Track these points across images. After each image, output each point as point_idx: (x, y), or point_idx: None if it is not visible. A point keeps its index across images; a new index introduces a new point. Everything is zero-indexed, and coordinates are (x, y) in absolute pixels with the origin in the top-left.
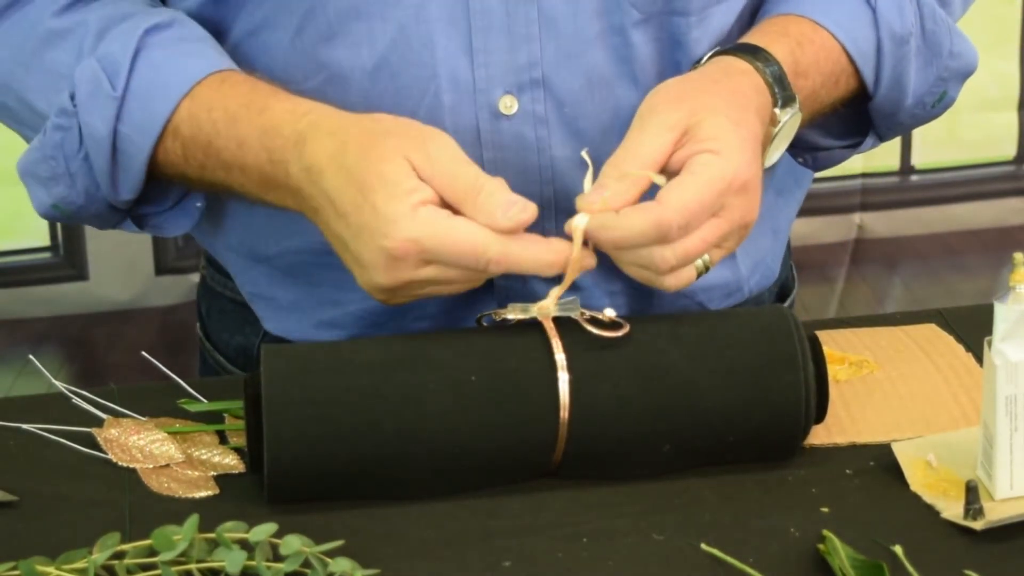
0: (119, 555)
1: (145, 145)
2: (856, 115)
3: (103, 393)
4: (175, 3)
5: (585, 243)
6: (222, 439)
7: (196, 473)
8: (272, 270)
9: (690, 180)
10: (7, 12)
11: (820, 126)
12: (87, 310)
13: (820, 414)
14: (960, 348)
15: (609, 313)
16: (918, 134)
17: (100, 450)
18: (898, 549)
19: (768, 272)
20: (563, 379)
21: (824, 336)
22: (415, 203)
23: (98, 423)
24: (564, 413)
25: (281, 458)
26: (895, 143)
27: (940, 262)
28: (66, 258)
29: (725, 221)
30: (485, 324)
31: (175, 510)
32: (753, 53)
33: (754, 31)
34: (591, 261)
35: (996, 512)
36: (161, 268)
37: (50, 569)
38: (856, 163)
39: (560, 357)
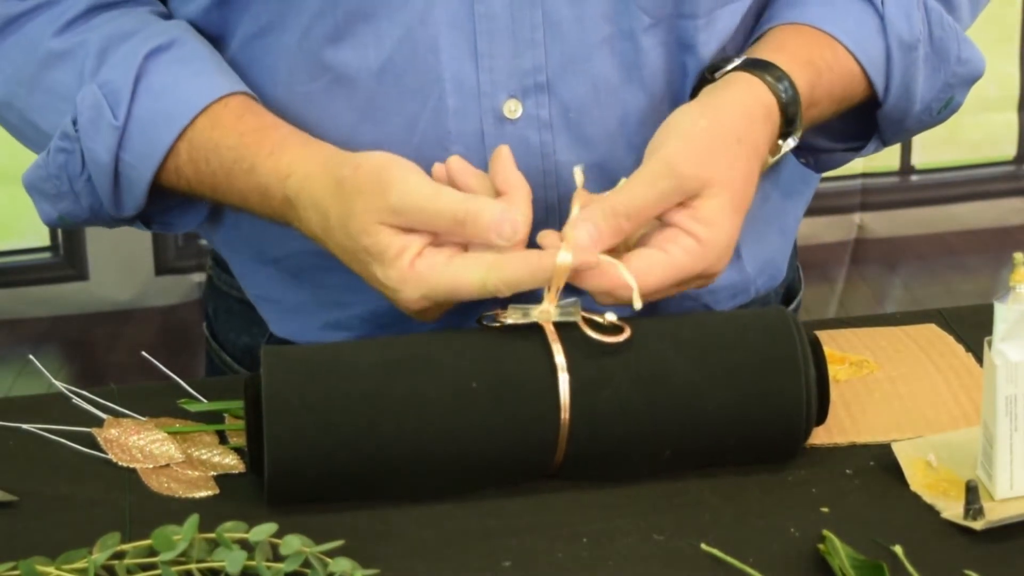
0: (119, 555)
1: (147, 172)
2: (860, 120)
3: (103, 393)
4: (178, 8)
5: None
6: (222, 439)
7: (196, 473)
8: (278, 272)
9: (663, 262)
10: (8, 30)
11: (823, 130)
12: (87, 310)
13: (821, 416)
14: (960, 348)
15: (609, 317)
16: (918, 134)
17: (100, 450)
18: (898, 549)
19: (775, 273)
20: (563, 381)
21: (824, 336)
22: (410, 261)
23: (98, 423)
24: (565, 415)
25: (281, 460)
26: None
27: (940, 262)
28: (66, 258)
29: (682, 286)
30: (486, 326)
31: (175, 510)
32: (779, 80)
33: (775, 44)
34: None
35: (996, 512)
36: (161, 268)
37: (50, 569)
38: (856, 163)
39: (561, 360)
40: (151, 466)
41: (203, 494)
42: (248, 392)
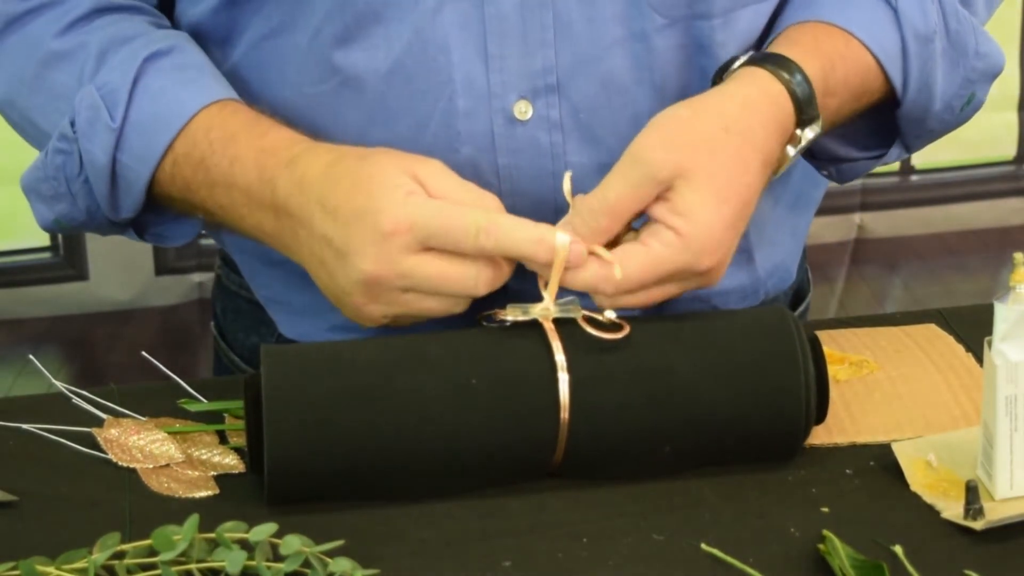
0: (119, 555)
1: (144, 173)
2: (882, 125)
3: (103, 393)
4: (187, 9)
5: None
6: (222, 439)
7: (196, 473)
8: (286, 274)
9: (640, 256)
10: (10, 30)
11: (844, 137)
12: (87, 310)
13: (820, 415)
14: (960, 348)
15: (609, 315)
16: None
17: (100, 450)
18: (898, 549)
19: (785, 275)
20: (563, 380)
21: (824, 336)
22: (408, 191)
23: (98, 423)
24: (564, 414)
25: (281, 459)
26: None
27: (940, 262)
28: (66, 258)
29: (676, 288)
30: (485, 325)
31: (175, 510)
32: (786, 68)
33: (785, 41)
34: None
35: (996, 512)
36: (161, 268)
37: (50, 569)
38: None
39: (560, 358)
40: (151, 466)
41: (203, 494)
42: (248, 391)
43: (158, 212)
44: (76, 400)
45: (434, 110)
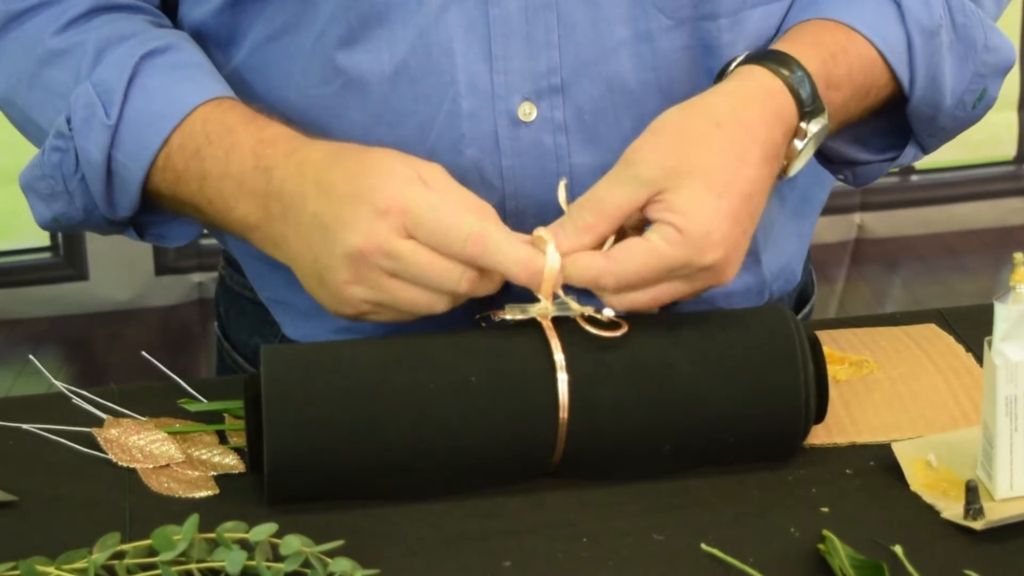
0: (119, 555)
1: (138, 171)
2: (894, 126)
3: (103, 393)
4: (190, 10)
5: None
6: (222, 439)
7: (196, 473)
8: (292, 275)
9: (641, 250)
10: (9, 27)
11: (858, 139)
12: (87, 310)
13: (820, 414)
14: (960, 348)
15: (608, 313)
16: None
17: (100, 450)
18: (898, 549)
19: (791, 277)
20: (562, 379)
21: (824, 336)
22: (409, 177)
23: (98, 423)
24: (563, 413)
25: (281, 458)
26: None
27: (940, 262)
28: (66, 258)
29: (684, 286)
30: (484, 325)
31: (175, 510)
32: (783, 63)
33: (785, 39)
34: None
35: (996, 512)
36: (161, 268)
37: (50, 569)
38: None
39: (559, 357)
40: (151, 466)
41: (203, 494)
42: (248, 391)
43: (157, 212)
44: (76, 400)
45: (438, 112)
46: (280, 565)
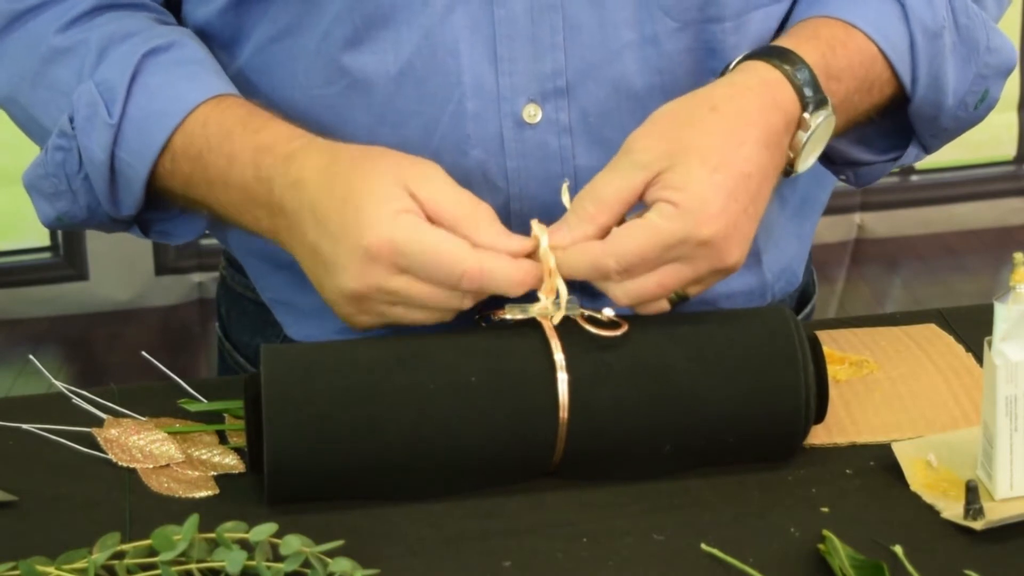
0: (119, 555)
1: (142, 170)
2: (897, 126)
3: (103, 393)
4: (193, 10)
5: None
6: (222, 439)
7: (196, 473)
8: (293, 276)
9: (638, 229)
10: (12, 26)
11: (860, 140)
12: (87, 310)
13: (820, 414)
14: (960, 348)
15: (608, 312)
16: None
17: (100, 450)
18: (898, 549)
19: (792, 278)
20: (562, 379)
21: (824, 336)
22: (398, 209)
23: (98, 423)
24: (563, 413)
25: (281, 458)
26: None
27: (940, 262)
28: (66, 258)
29: (687, 269)
30: (484, 325)
31: (175, 510)
32: (781, 56)
33: (784, 35)
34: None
35: (996, 512)
36: (161, 268)
37: (50, 569)
38: None
39: (559, 357)
40: (151, 466)
41: (203, 494)
42: (248, 391)
43: (162, 209)
44: (76, 400)
45: (443, 113)
46: (280, 565)
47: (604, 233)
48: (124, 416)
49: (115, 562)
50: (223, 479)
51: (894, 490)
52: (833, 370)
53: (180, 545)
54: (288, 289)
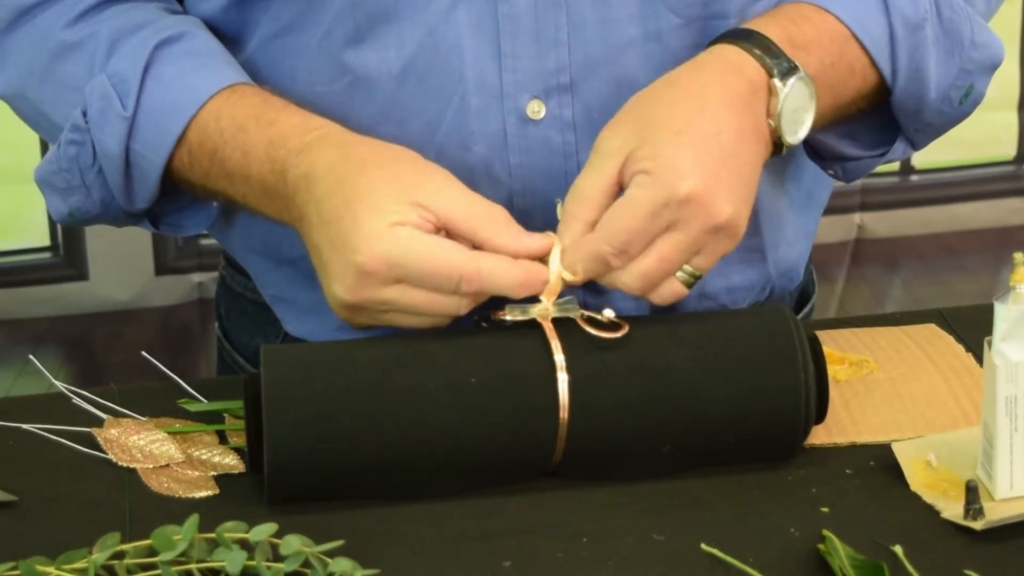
0: (119, 555)
1: (158, 161)
2: (883, 121)
3: (103, 393)
4: (195, 6)
5: None
6: (222, 439)
7: (196, 473)
8: (295, 272)
9: (621, 206)
10: (20, 22)
11: (848, 134)
12: (87, 310)
13: (820, 414)
14: (960, 348)
15: (608, 314)
16: (946, 131)
17: (100, 450)
18: (898, 549)
19: (794, 276)
20: (562, 380)
21: (824, 336)
22: (394, 222)
23: (98, 423)
24: (564, 414)
25: (281, 458)
26: None
27: (940, 262)
28: (66, 258)
29: (681, 234)
30: (484, 325)
31: (175, 510)
32: (739, 34)
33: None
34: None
35: (996, 512)
36: (161, 268)
37: (50, 569)
38: None
39: (559, 358)
40: (151, 466)
41: (203, 494)
42: (248, 391)
43: (174, 200)
44: (76, 400)
45: (446, 109)
46: (280, 565)
47: (591, 228)
48: (124, 416)
49: (115, 562)
50: (223, 479)
51: (894, 490)
52: (833, 370)
53: (180, 545)
54: (289, 285)
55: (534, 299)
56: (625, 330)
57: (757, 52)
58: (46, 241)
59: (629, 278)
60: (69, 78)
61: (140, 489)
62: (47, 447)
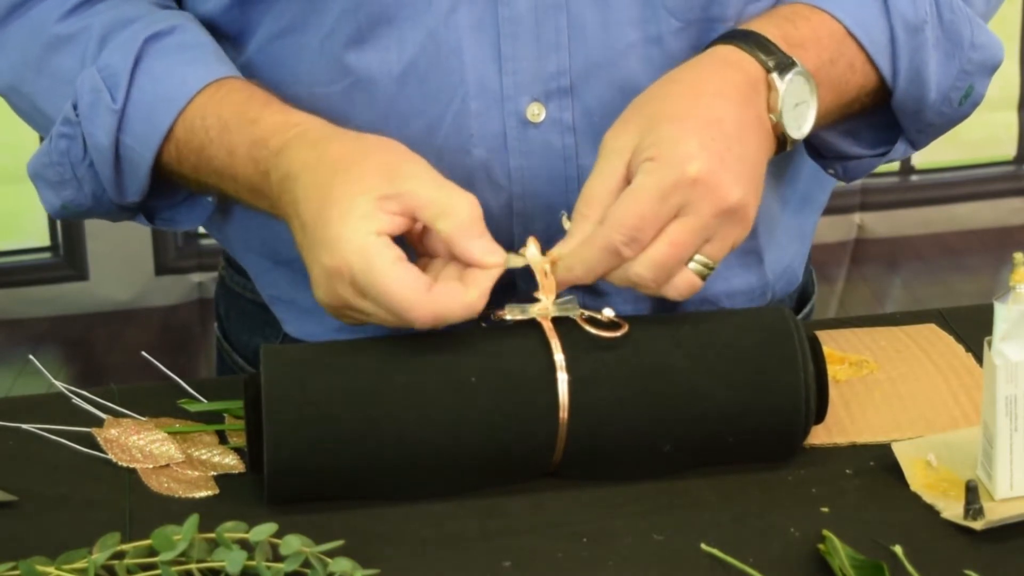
0: (119, 555)
1: (147, 155)
2: (884, 120)
3: (103, 393)
4: (196, 6)
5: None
6: (222, 439)
7: (196, 473)
8: (294, 273)
9: (627, 194)
10: (13, 15)
11: (849, 133)
12: (87, 310)
13: (820, 414)
14: (960, 348)
15: (608, 313)
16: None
17: (100, 450)
18: (898, 549)
19: (792, 277)
20: (562, 380)
21: (824, 336)
22: (368, 231)
23: (98, 423)
24: (563, 413)
25: (281, 458)
26: None
27: (940, 262)
28: (66, 258)
29: (692, 218)
30: (484, 325)
31: (175, 510)
32: (735, 35)
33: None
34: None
35: (996, 512)
36: (161, 268)
37: (50, 569)
38: None
39: (559, 357)
40: (151, 466)
41: (203, 494)
42: (248, 391)
43: (167, 196)
44: (76, 400)
45: (446, 112)
46: (280, 565)
47: None
48: (124, 416)
49: (115, 562)
50: (223, 479)
51: (894, 490)
52: (833, 370)
53: (180, 545)
54: (288, 285)
55: (534, 299)
56: (625, 329)
57: (754, 50)
58: (46, 241)
59: (642, 268)
60: (62, 71)
61: (140, 489)
62: (47, 447)
